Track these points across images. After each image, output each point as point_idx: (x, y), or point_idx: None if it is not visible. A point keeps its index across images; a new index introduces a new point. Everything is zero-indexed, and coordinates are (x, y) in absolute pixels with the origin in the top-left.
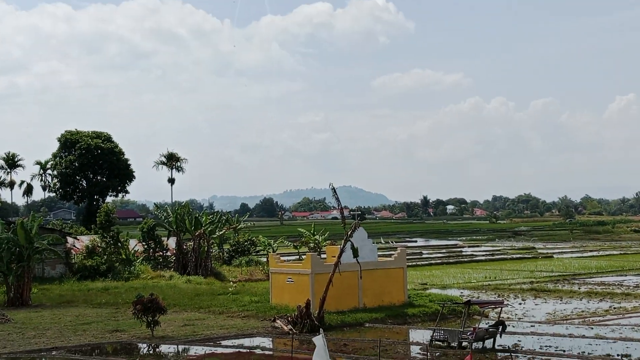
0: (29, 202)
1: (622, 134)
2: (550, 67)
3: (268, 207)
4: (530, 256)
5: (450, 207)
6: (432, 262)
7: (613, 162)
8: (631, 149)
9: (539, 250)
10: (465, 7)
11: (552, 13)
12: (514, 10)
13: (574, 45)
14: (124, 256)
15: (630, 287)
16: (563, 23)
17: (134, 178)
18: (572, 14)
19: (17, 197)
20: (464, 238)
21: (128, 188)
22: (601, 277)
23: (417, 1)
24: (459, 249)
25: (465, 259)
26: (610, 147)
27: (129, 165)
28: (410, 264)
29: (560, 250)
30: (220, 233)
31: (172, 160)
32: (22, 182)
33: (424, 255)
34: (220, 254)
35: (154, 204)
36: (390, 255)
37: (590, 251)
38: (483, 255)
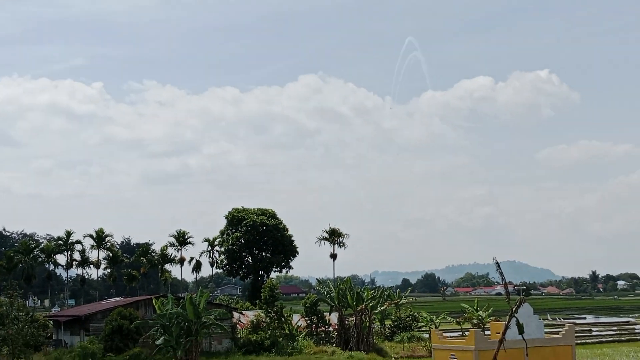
0: (197, 278)
1: None
2: None
3: (430, 283)
4: None
5: (621, 283)
6: (603, 340)
7: None
8: None
9: None
10: (631, 76)
11: None
12: None
13: None
14: (287, 331)
15: None
16: None
17: (298, 254)
18: None
19: (186, 274)
20: (636, 315)
21: (292, 264)
22: None
23: (582, 72)
24: (631, 327)
25: (639, 337)
26: None
27: (293, 241)
28: (579, 341)
29: None
30: (382, 308)
31: (334, 236)
32: (192, 258)
33: (593, 333)
34: (382, 329)
35: (317, 279)
36: (557, 333)
37: None
38: None
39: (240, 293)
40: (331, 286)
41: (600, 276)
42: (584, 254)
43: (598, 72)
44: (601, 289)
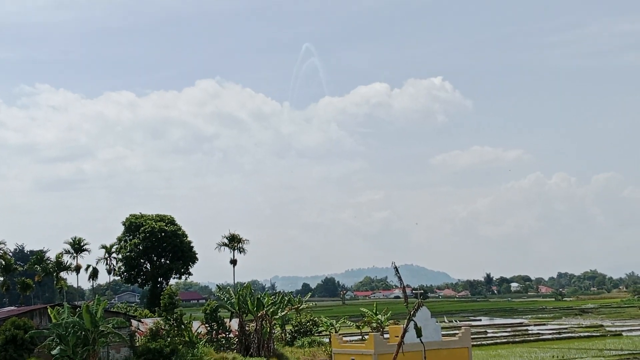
0: (94, 286)
1: None
2: (611, 141)
3: (330, 287)
4: (598, 334)
5: (514, 285)
6: (498, 341)
7: None
8: None
9: (607, 328)
10: (522, 84)
11: (613, 88)
12: (574, 85)
13: (633, 119)
14: (187, 338)
15: None
16: (621, 98)
17: (197, 260)
18: (628, 89)
19: (82, 281)
20: (529, 316)
21: (191, 270)
22: None
23: (473, 79)
24: (524, 328)
25: (532, 338)
26: None
27: (192, 247)
28: (475, 343)
29: (629, 328)
30: (283, 314)
31: (234, 242)
32: (88, 266)
33: (488, 335)
34: (283, 334)
35: (217, 285)
36: (454, 335)
37: None
38: (550, 334)
39: (138, 300)
40: (231, 292)
41: (494, 279)
42: (478, 257)
43: (489, 80)
44: (495, 291)
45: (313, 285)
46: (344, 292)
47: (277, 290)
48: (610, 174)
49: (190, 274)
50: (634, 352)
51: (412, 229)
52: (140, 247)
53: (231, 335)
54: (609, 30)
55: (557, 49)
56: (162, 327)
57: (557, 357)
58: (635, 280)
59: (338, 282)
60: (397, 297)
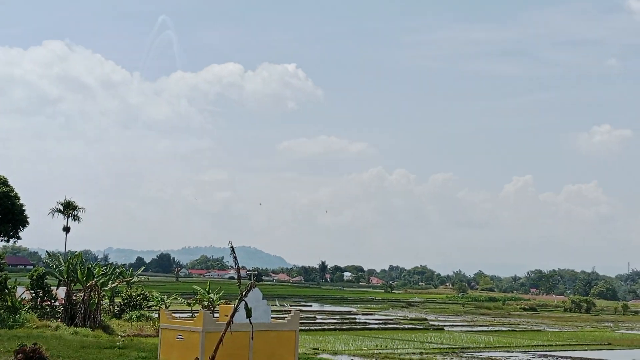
0: None
1: (517, 213)
2: (452, 144)
3: (164, 263)
4: (421, 327)
5: (347, 274)
6: (325, 327)
7: (507, 240)
8: (524, 229)
9: (431, 322)
10: (373, 79)
11: (460, 93)
12: (422, 87)
13: (475, 124)
14: (9, 303)
15: None
16: (466, 103)
17: (28, 224)
18: (474, 95)
19: None
20: (358, 306)
21: (20, 234)
22: (489, 352)
23: (326, 70)
24: (352, 316)
25: (358, 327)
26: (505, 225)
27: (24, 210)
28: (303, 328)
29: (451, 324)
30: (113, 285)
31: (68, 209)
32: None
33: (317, 320)
34: (111, 307)
35: (47, 252)
36: (283, 318)
37: (480, 326)
38: (376, 324)
39: None
40: (61, 260)
41: (328, 267)
42: (315, 244)
43: (341, 72)
44: (329, 279)
45: (148, 260)
46: (179, 269)
47: (110, 262)
48: (448, 175)
49: (19, 237)
50: (453, 346)
51: (252, 211)
52: None
53: (57, 303)
54: (461, 36)
55: (410, 50)
56: None
57: (381, 346)
58: (461, 278)
59: (174, 258)
60: (232, 277)
